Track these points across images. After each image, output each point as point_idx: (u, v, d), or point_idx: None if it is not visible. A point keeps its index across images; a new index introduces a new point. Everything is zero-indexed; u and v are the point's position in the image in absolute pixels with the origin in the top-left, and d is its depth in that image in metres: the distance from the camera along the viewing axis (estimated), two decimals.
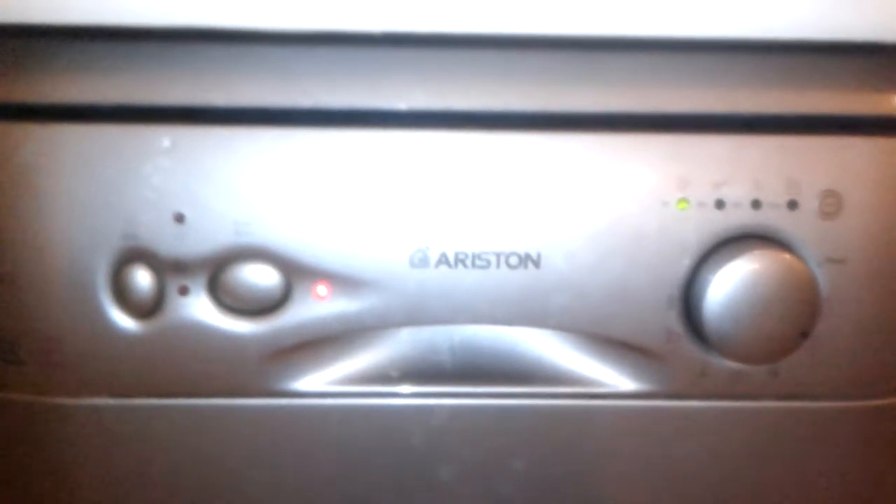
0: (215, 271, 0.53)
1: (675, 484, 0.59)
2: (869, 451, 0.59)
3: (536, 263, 0.53)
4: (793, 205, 0.52)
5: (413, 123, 0.53)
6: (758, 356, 0.53)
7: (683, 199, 0.52)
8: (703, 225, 0.52)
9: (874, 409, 0.57)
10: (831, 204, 0.52)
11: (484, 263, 0.52)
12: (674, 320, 0.54)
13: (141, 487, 0.57)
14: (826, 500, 0.60)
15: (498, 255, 0.52)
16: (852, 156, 0.53)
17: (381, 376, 0.56)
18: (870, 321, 0.55)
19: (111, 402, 0.55)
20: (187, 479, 0.57)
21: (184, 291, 0.53)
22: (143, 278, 0.53)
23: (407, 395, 0.57)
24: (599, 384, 0.57)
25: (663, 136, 0.53)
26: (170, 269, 0.53)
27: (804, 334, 0.53)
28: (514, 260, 0.52)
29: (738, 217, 0.52)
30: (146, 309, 0.53)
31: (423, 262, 0.52)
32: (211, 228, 0.52)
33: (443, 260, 0.52)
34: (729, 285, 0.52)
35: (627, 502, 0.59)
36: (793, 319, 0.52)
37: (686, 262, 0.53)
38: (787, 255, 0.52)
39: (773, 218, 0.52)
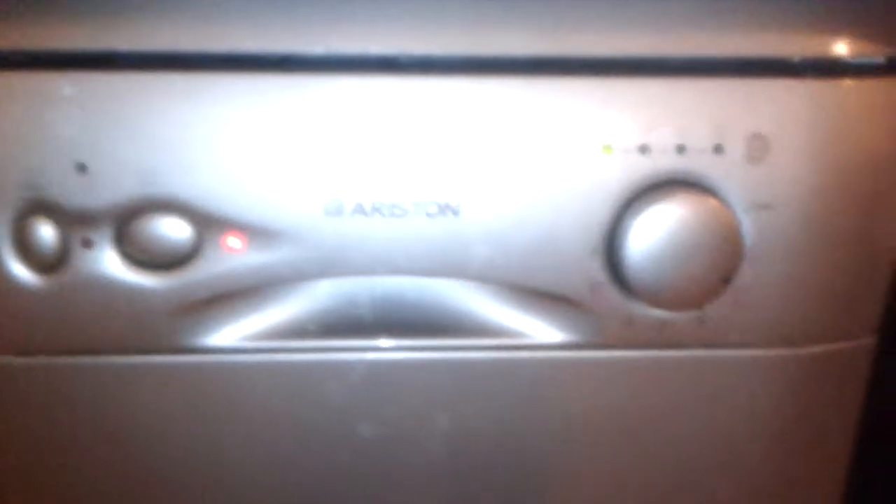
0: (121, 223, 0.53)
1: (603, 434, 0.61)
2: (796, 399, 0.62)
3: (455, 212, 0.54)
4: (718, 149, 0.54)
5: (329, 68, 0.53)
6: (680, 302, 0.56)
7: (607, 145, 0.54)
8: (627, 171, 0.54)
9: (801, 357, 0.60)
10: (758, 148, 0.55)
11: (401, 212, 0.54)
12: (598, 270, 0.56)
13: (49, 448, 0.59)
14: (754, 448, 0.63)
15: (415, 204, 0.54)
16: (780, 99, 0.55)
17: (298, 330, 0.57)
18: (797, 268, 0.57)
19: (16, 360, 0.56)
20: (97, 439, 0.58)
21: (88, 244, 0.54)
22: (45, 231, 0.54)
23: (326, 350, 0.58)
24: (525, 336, 0.59)
25: (587, 80, 0.54)
26: (73, 221, 0.53)
27: (726, 280, 0.55)
28: (432, 209, 0.54)
29: (663, 162, 0.54)
30: (49, 263, 0.54)
31: (338, 211, 0.54)
32: (115, 178, 0.53)
33: (358, 209, 0.54)
34: (650, 231, 0.54)
35: (555, 454, 0.62)
36: (715, 265, 0.55)
37: (609, 210, 0.55)
38: (710, 201, 0.54)
39: (699, 163, 0.54)
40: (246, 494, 0.60)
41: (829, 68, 0.55)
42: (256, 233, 0.53)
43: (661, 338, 0.58)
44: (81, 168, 0.51)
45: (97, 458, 0.59)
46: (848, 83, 0.54)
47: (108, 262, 0.53)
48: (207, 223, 0.52)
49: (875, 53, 0.54)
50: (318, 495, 0.60)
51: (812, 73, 0.55)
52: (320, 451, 0.59)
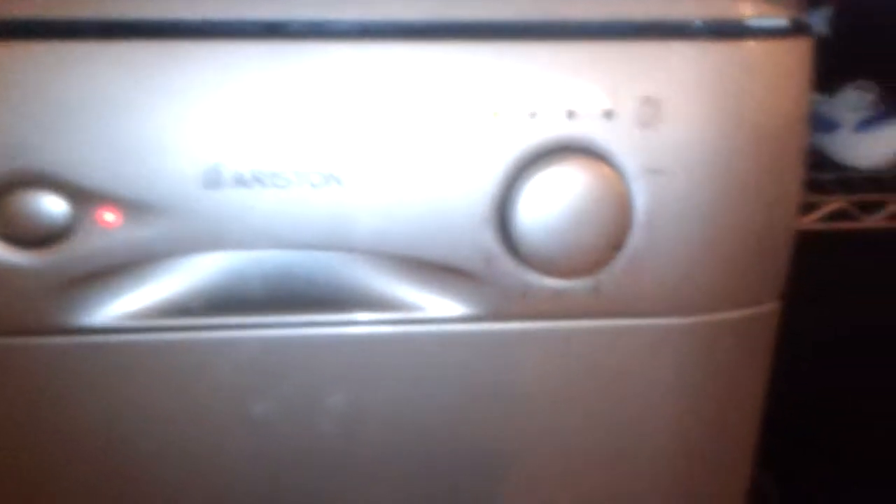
0: None
1: (502, 407, 0.60)
2: (699, 368, 0.61)
3: (339, 182, 0.53)
4: (609, 114, 0.53)
5: (204, 33, 0.52)
6: (572, 271, 0.55)
7: (496, 111, 0.53)
8: (517, 138, 0.53)
9: (702, 325, 0.59)
10: (650, 113, 0.54)
11: (283, 183, 0.52)
12: (490, 239, 0.55)
13: None
14: (659, 418, 0.62)
15: (298, 174, 0.52)
16: (674, 62, 0.54)
17: (181, 308, 0.56)
18: (693, 234, 0.56)
19: None
20: None
21: None
22: None
23: (212, 328, 0.57)
24: (420, 309, 0.57)
25: (474, 45, 0.53)
26: None
27: (616, 247, 0.54)
28: (315, 178, 0.53)
29: (553, 128, 0.53)
30: None
31: (217, 183, 0.52)
32: None
33: (238, 180, 0.52)
34: (540, 199, 0.53)
35: (454, 429, 0.61)
36: (605, 232, 0.54)
37: (499, 178, 0.54)
38: (600, 166, 0.53)
39: (589, 128, 0.53)
40: (135, 477, 0.58)
41: (731, 30, 0.54)
42: (132, 206, 0.51)
43: (556, 308, 0.57)
44: None
45: None
46: (749, 45, 0.54)
47: None
48: (81, 197, 0.51)
49: (778, 14, 0.53)
50: (211, 476, 0.59)
51: (711, 36, 0.54)
52: (212, 432, 0.58)
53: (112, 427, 0.57)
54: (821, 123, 0.89)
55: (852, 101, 0.87)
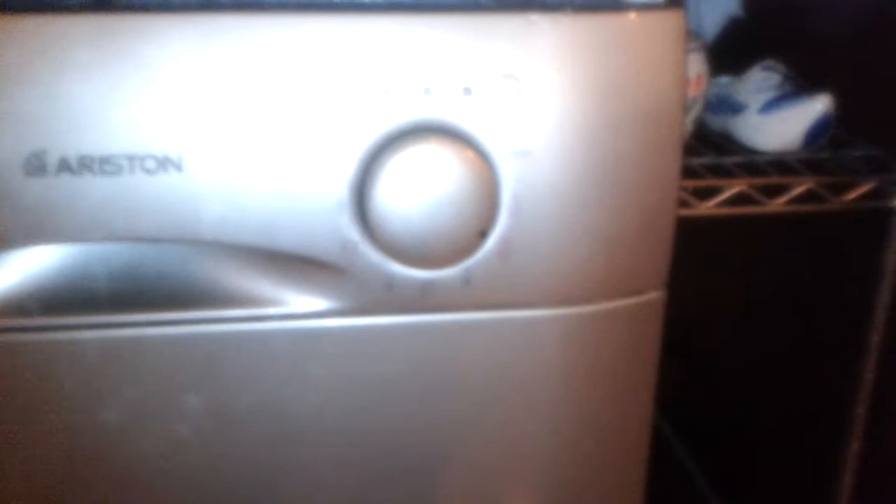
0: None
1: (369, 408, 0.57)
2: (577, 362, 0.58)
3: (178, 167, 0.49)
4: (468, 91, 0.49)
5: (19, 3, 0.47)
6: (436, 260, 0.51)
7: (349, 89, 0.49)
8: (371, 116, 0.49)
9: (581, 316, 0.56)
10: (511, 89, 0.50)
11: (114, 169, 0.48)
12: (347, 226, 0.51)
13: None
14: (534, 418, 0.59)
15: (130, 159, 0.48)
16: (534, 36, 0.50)
17: (16, 307, 0.51)
18: (566, 220, 0.53)
19: None
20: None
21: None
22: None
23: (51, 329, 0.53)
24: (276, 303, 0.54)
25: (324, 17, 0.49)
26: None
27: (483, 234, 0.51)
28: (150, 164, 0.49)
29: (409, 106, 0.50)
30: None
31: (40, 169, 0.48)
32: None
33: (64, 166, 0.48)
34: (398, 182, 0.49)
35: (316, 430, 0.57)
36: (470, 218, 0.50)
37: (353, 160, 0.51)
38: (460, 147, 0.49)
39: (447, 106, 0.50)
40: None
41: (600, 2, 0.52)
42: None
43: (424, 301, 0.54)
44: None
45: None
46: (619, 18, 0.50)
47: None
48: None
49: None
50: (59, 487, 0.54)
51: (579, 8, 0.51)
52: (57, 440, 0.53)
53: None
54: (728, 105, 0.86)
55: (758, 82, 0.84)
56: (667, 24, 0.51)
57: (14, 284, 0.50)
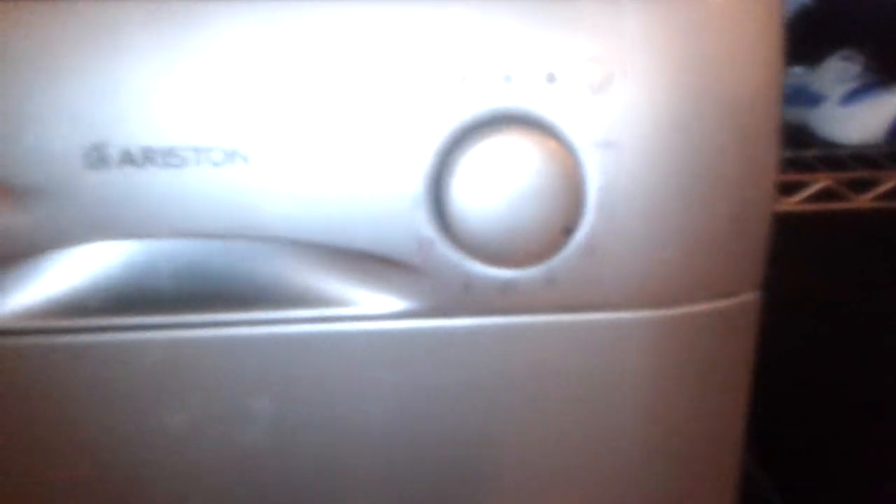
0: None
1: (443, 413, 0.54)
2: (666, 367, 0.54)
3: (246, 159, 0.46)
4: (551, 78, 0.46)
5: None
6: (518, 258, 0.48)
7: (426, 78, 0.46)
8: (449, 106, 0.46)
9: (667, 320, 0.52)
10: (598, 76, 0.47)
11: (179, 161, 0.46)
12: (423, 223, 0.48)
13: None
14: (623, 423, 0.55)
15: (196, 150, 0.45)
16: (621, 17, 0.47)
17: (76, 306, 0.49)
18: (654, 217, 0.49)
19: None
20: None
21: None
22: None
23: (112, 329, 0.50)
24: (347, 304, 0.51)
25: (401, 4, 0.46)
26: None
27: (568, 231, 0.47)
28: (217, 156, 0.46)
29: (488, 94, 0.46)
30: None
31: (102, 162, 0.45)
32: None
33: (125, 158, 0.45)
34: (477, 176, 0.46)
35: (389, 438, 0.54)
36: (553, 213, 0.47)
37: (430, 152, 0.48)
38: (543, 137, 0.46)
39: (529, 93, 0.46)
40: (32, 494, 0.50)
41: None
42: (3, 190, 0.43)
43: (505, 302, 0.51)
44: None
45: None
46: (712, 0, 0.46)
47: None
48: None
49: None
50: (122, 492, 0.51)
51: None
52: (117, 447, 0.51)
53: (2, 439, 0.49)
54: (804, 97, 0.81)
55: (837, 72, 0.80)
56: (762, 5, 0.47)
57: (75, 283, 0.47)
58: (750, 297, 0.53)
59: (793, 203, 0.71)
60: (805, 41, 0.93)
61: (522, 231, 0.46)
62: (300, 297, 0.49)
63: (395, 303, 0.50)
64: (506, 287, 0.49)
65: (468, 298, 0.49)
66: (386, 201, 0.47)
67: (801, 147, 0.77)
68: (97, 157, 0.44)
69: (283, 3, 0.45)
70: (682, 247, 0.50)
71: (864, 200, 0.71)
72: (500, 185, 0.45)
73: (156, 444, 0.51)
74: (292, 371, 0.51)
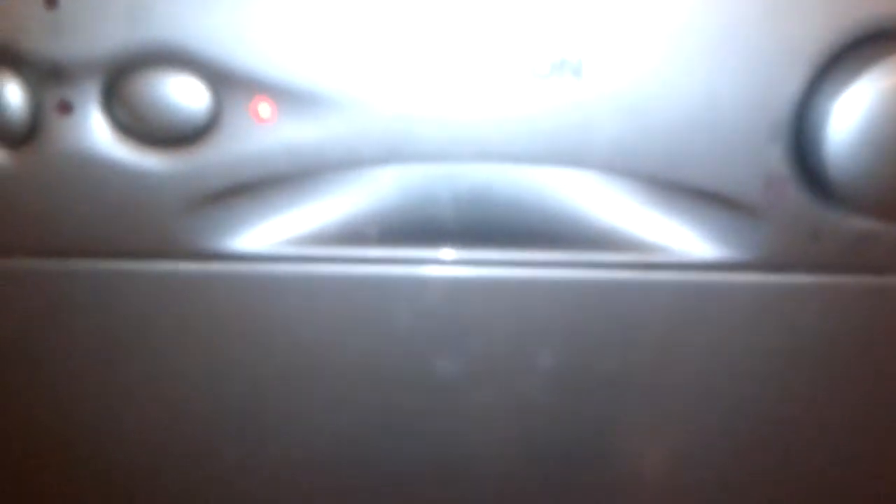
0: (109, 81, 0.39)
1: (774, 379, 0.46)
2: None
3: (576, 72, 0.38)
4: None
5: None
6: (880, 207, 0.40)
7: None
8: (833, 19, 0.37)
9: None
10: None
11: (496, 70, 0.37)
12: (778, 159, 0.40)
13: (25, 366, 0.46)
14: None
15: (516, 58, 0.37)
16: None
17: (353, 234, 0.43)
18: None
19: None
20: (85, 361, 0.46)
21: (66, 109, 0.40)
22: (10, 92, 0.40)
23: (391, 262, 0.44)
24: (667, 251, 0.44)
25: None
26: (44, 75, 0.39)
27: None
28: (542, 67, 0.37)
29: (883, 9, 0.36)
30: (15, 134, 0.40)
31: (406, 69, 0.38)
32: (98, 15, 0.38)
33: (434, 65, 0.38)
34: (861, 110, 0.38)
35: (691, 402, 0.46)
36: None
37: (801, 75, 0.39)
38: None
39: None
40: (273, 441, 0.45)
41: None
42: (296, 98, 0.39)
43: (858, 258, 0.43)
44: (50, 2, 0.37)
45: (89, 385, 0.47)
46: None
47: (94, 134, 0.40)
48: (226, 81, 0.39)
49: None
50: (377, 451, 0.45)
51: None
52: (379, 393, 0.45)
53: (258, 375, 0.46)
54: None
55: None
56: None
57: (356, 207, 0.40)
58: None
59: None
60: None
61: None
62: (608, 238, 0.42)
63: (726, 251, 0.42)
64: (861, 241, 0.41)
65: (813, 251, 0.41)
66: (738, 129, 0.40)
67: None
68: (402, 64, 0.36)
69: None
70: None
71: None
72: (884, 122, 0.36)
73: (426, 393, 0.45)
74: (586, 323, 0.45)
